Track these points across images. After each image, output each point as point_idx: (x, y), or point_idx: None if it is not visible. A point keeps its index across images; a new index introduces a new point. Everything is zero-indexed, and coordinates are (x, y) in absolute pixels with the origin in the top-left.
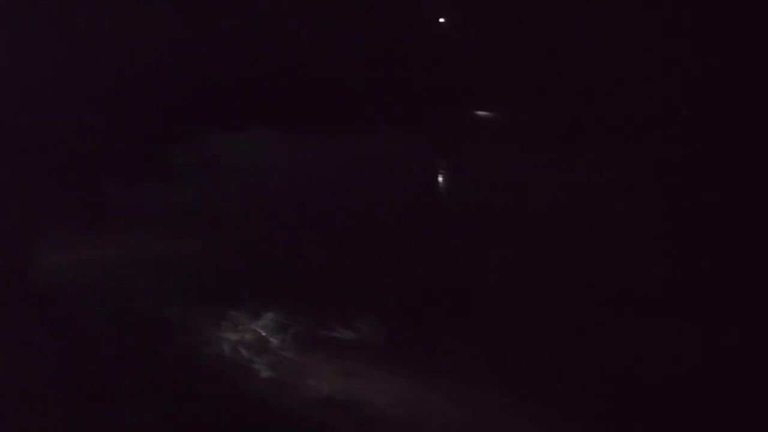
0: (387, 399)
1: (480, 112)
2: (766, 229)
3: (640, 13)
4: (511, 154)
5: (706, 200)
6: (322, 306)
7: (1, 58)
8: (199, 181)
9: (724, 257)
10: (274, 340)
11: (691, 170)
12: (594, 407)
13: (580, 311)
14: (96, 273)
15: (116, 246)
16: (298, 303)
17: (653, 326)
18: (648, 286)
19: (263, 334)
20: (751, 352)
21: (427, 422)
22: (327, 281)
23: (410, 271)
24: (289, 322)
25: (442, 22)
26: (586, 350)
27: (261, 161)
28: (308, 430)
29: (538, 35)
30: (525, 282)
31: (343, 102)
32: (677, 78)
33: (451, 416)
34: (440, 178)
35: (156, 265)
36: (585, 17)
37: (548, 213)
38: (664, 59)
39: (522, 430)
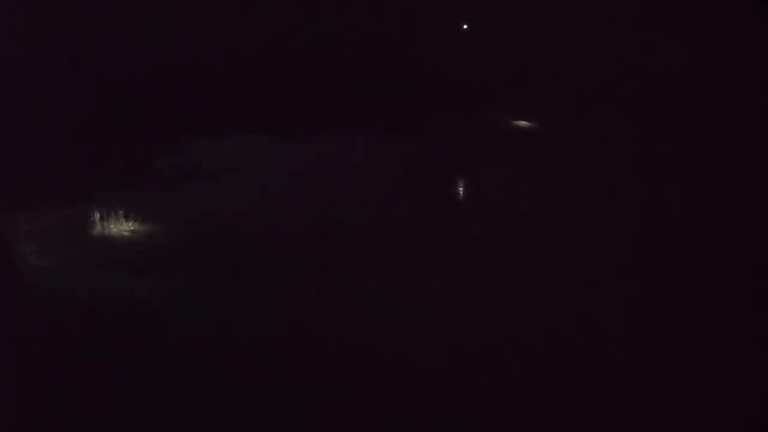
0: None
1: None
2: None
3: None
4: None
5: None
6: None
7: None
8: (184, 185)
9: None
10: None
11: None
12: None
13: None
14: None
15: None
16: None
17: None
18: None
19: None
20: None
21: None
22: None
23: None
24: None
25: (464, 28)
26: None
27: (251, 165)
28: None
29: (546, 39)
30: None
31: (333, 106)
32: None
33: None
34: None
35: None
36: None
37: (553, 219)
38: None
39: None
